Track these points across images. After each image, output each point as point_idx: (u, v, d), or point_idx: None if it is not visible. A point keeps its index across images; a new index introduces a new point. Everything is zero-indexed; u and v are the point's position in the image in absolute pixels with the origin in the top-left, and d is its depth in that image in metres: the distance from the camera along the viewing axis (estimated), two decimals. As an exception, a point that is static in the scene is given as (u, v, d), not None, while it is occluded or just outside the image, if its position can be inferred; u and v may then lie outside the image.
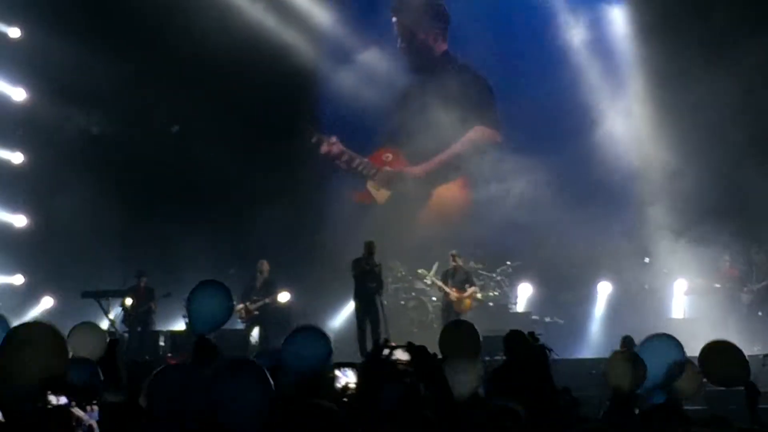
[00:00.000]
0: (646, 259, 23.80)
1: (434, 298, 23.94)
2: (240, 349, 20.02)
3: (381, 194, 27.65)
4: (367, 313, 20.71)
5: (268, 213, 23.98)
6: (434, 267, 23.42)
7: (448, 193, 27.49)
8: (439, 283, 22.55)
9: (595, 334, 23.44)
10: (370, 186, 27.87)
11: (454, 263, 22.43)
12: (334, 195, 27.07)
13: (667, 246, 23.16)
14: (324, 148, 27.71)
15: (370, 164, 27.88)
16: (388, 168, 27.75)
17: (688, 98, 22.84)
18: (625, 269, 24.06)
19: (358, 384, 5.77)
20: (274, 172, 24.74)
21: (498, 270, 24.58)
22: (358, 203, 27.35)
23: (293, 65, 26.05)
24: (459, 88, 26.23)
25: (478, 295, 23.12)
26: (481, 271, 24.31)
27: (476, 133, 27.17)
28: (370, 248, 20.88)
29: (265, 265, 22.55)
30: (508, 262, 24.68)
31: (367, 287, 20.71)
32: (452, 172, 27.39)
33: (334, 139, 27.74)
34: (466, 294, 22.18)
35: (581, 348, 22.46)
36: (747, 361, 8.65)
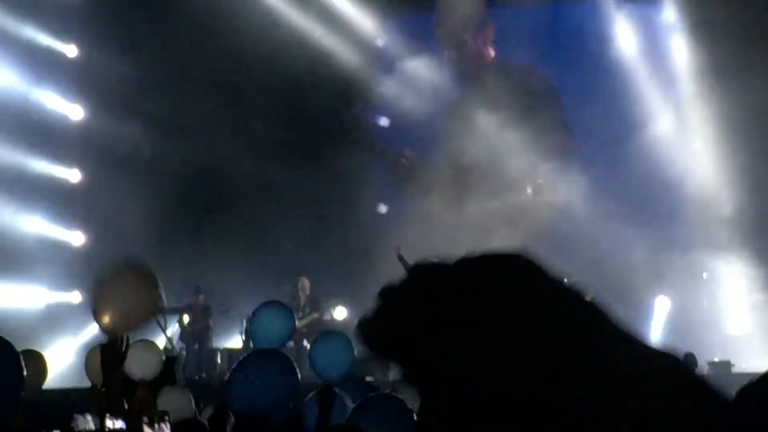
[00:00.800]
0: (705, 274, 23.54)
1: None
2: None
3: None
4: None
5: (321, 228, 24.05)
6: None
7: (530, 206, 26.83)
8: None
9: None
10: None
11: None
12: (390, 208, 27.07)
13: (726, 261, 22.90)
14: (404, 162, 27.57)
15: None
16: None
17: (746, 102, 22.51)
18: (683, 284, 23.85)
19: None
20: (329, 185, 24.73)
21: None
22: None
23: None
24: (524, 91, 26.04)
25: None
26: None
27: (553, 141, 26.52)
28: None
29: (306, 282, 22.58)
30: (565, 279, 24.46)
31: None
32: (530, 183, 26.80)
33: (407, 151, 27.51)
34: None
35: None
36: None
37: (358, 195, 25.87)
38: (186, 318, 22.36)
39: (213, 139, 25.60)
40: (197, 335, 22.58)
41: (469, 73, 27.26)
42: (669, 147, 24.97)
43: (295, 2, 26.13)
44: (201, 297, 22.76)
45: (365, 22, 26.97)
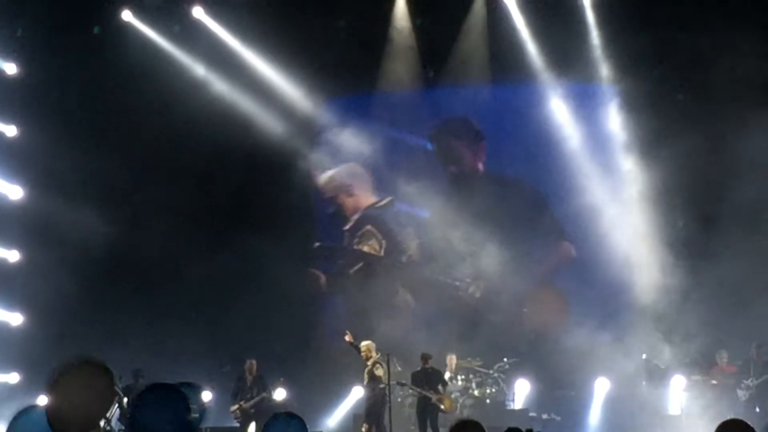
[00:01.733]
0: (644, 356, 23.70)
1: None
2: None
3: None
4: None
5: (263, 309, 24.05)
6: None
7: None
8: (414, 388, 21.76)
9: (593, 431, 23.31)
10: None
11: (425, 365, 21.70)
12: (331, 293, 27.18)
13: (663, 342, 23.11)
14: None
15: None
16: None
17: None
18: (623, 366, 24.01)
19: None
20: (271, 267, 24.70)
21: (495, 366, 24.44)
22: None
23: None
24: (522, 203, 26.42)
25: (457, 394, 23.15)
26: (478, 368, 24.23)
27: (557, 248, 26.83)
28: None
29: (252, 364, 22.58)
30: (505, 359, 24.57)
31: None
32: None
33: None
34: (444, 394, 21.60)
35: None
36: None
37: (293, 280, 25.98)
38: (125, 400, 22.12)
39: (146, 219, 25.57)
40: (136, 417, 22.35)
41: (463, 187, 27.26)
42: (605, 222, 25.24)
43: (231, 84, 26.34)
44: (140, 381, 22.57)
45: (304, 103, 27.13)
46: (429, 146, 27.71)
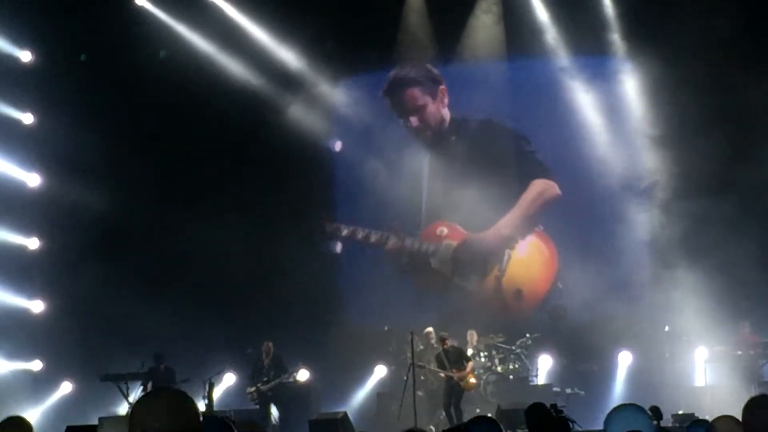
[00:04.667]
0: (666, 328, 23.61)
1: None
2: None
3: (446, 266, 26.78)
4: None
5: (285, 290, 24.04)
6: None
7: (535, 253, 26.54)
8: (437, 370, 21.84)
9: (616, 404, 23.18)
10: (435, 263, 26.73)
11: (444, 346, 21.72)
12: (350, 269, 27.07)
13: (687, 313, 22.96)
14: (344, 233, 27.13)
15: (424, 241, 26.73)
16: (449, 241, 26.75)
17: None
18: (645, 338, 23.96)
19: None
20: (288, 249, 24.64)
21: (518, 342, 24.32)
22: (426, 290, 26.59)
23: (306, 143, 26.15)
24: (492, 145, 26.09)
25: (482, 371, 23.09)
26: (500, 344, 24.13)
27: (537, 188, 26.37)
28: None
29: (268, 346, 22.61)
30: (528, 335, 24.46)
31: None
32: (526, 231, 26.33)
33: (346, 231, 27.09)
34: (467, 371, 21.62)
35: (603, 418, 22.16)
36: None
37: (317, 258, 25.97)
38: (150, 384, 22.18)
39: (168, 204, 25.54)
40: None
41: (431, 137, 26.83)
42: (626, 197, 25.10)
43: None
44: (162, 366, 22.63)
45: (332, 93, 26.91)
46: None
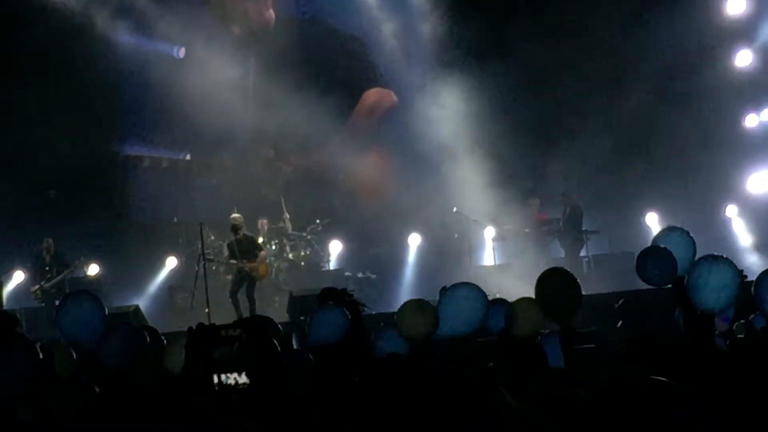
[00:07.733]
0: (455, 209, 23.87)
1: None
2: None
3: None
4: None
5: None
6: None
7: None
8: (227, 262, 21.58)
9: (409, 287, 23.50)
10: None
11: (237, 236, 21.14)
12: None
13: (475, 194, 23.28)
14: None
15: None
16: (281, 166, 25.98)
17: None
18: (435, 220, 24.23)
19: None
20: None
21: (308, 229, 24.24)
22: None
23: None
24: (319, 49, 25.46)
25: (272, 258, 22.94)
26: (291, 231, 23.99)
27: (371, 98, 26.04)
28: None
29: (49, 243, 22.10)
30: (318, 220, 24.39)
31: None
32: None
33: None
34: (257, 262, 21.13)
35: (396, 301, 22.40)
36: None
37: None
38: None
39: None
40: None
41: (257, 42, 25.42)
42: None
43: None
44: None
45: None
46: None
